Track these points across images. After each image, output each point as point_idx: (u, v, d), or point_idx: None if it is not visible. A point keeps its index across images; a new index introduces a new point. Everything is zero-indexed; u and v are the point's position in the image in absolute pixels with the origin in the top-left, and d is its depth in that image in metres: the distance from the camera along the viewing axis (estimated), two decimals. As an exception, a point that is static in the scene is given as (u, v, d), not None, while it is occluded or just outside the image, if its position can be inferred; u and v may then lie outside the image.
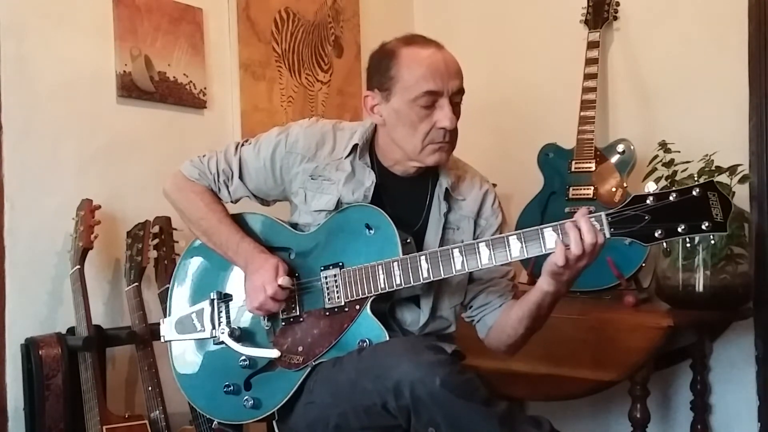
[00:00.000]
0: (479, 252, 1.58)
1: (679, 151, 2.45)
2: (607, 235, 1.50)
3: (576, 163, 2.71)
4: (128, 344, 2.27)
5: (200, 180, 1.85)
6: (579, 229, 1.51)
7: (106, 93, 2.38)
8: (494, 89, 3.11)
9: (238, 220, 1.83)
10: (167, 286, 2.25)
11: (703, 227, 1.45)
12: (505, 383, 2.22)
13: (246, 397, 1.72)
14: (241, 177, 1.84)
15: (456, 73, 1.69)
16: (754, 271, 2.46)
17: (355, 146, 1.77)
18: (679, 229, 1.46)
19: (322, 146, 1.79)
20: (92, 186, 2.31)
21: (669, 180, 2.40)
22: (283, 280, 1.68)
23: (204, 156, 1.87)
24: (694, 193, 1.45)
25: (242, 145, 1.86)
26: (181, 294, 1.88)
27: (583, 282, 2.54)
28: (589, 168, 2.68)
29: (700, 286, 2.36)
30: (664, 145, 2.47)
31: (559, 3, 3.02)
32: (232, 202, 1.89)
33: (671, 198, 1.46)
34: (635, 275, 2.55)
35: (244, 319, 1.78)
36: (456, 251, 1.60)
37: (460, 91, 1.70)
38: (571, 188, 2.70)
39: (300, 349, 1.70)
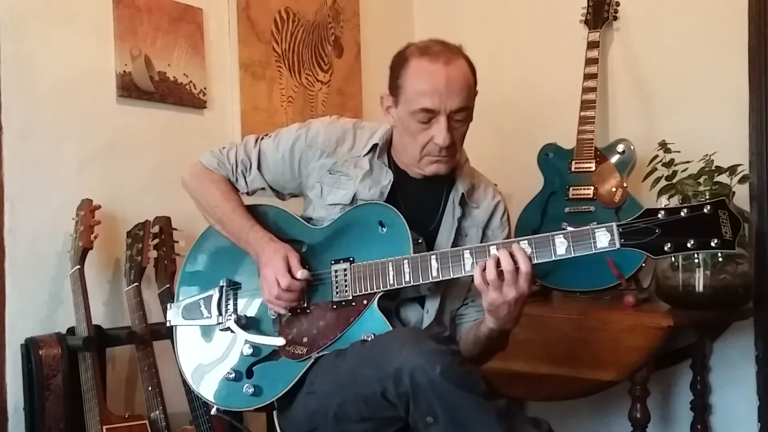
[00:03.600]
0: (490, 255, 1.59)
1: (679, 151, 2.45)
2: (617, 246, 1.52)
3: (576, 163, 2.71)
4: (128, 344, 2.27)
5: (218, 170, 1.88)
6: (496, 259, 1.55)
7: (106, 93, 2.38)
8: (494, 89, 3.07)
9: (253, 211, 1.85)
10: (167, 285, 2.27)
11: (712, 244, 1.47)
12: (505, 383, 2.20)
13: (247, 384, 1.73)
14: (259, 168, 1.87)
15: (458, 91, 1.68)
16: (754, 271, 2.46)
17: (375, 146, 1.81)
18: (689, 245, 1.48)
19: (342, 143, 1.83)
20: (92, 186, 2.31)
21: (669, 180, 2.40)
22: (302, 273, 1.70)
23: (224, 147, 1.91)
24: (705, 210, 1.48)
25: (262, 138, 1.90)
26: (189, 280, 1.89)
27: (583, 282, 2.59)
28: (589, 168, 2.68)
29: (700, 286, 2.36)
30: (664, 145, 2.47)
31: (559, 3, 3.02)
32: (248, 193, 1.92)
33: (682, 213, 1.48)
34: (635, 275, 2.55)
35: (252, 308, 1.80)
36: (467, 253, 1.61)
37: (462, 109, 1.70)
38: (571, 188, 2.70)
39: (305, 340, 1.71)
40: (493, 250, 1.58)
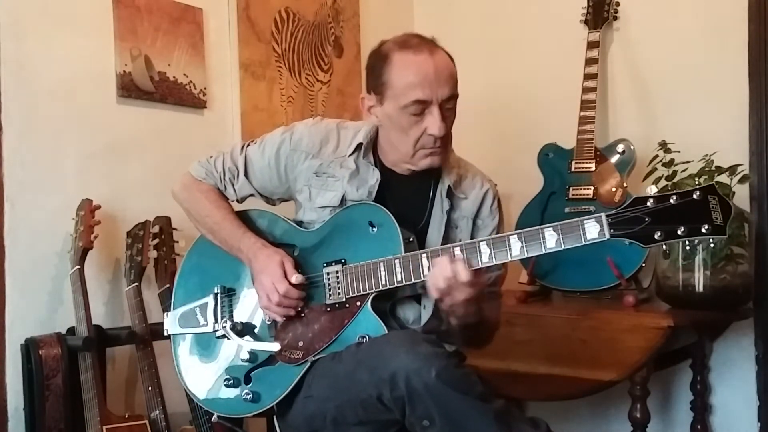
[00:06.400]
0: (480, 250, 1.59)
1: (679, 151, 2.45)
2: (607, 236, 1.50)
3: (576, 163, 2.70)
4: (128, 344, 2.27)
5: (207, 179, 1.88)
6: (437, 267, 1.56)
7: (106, 93, 2.38)
8: (494, 89, 3.11)
9: (244, 217, 1.85)
10: (167, 285, 2.27)
11: (703, 230, 1.45)
12: (505, 383, 2.22)
13: (245, 390, 1.73)
14: (246, 175, 1.87)
15: (446, 79, 1.68)
16: (754, 271, 2.46)
17: (359, 145, 1.80)
18: (679, 232, 1.46)
19: (326, 144, 1.82)
20: (92, 186, 2.31)
21: (669, 180, 2.40)
22: (296, 278, 1.69)
23: (211, 157, 1.90)
24: (694, 196, 1.46)
25: (248, 144, 1.89)
26: (185, 288, 1.89)
27: (583, 282, 2.59)
28: (589, 168, 2.68)
29: (700, 286, 2.36)
30: (664, 145, 2.47)
31: (559, 3, 3.01)
32: (237, 201, 1.92)
33: (672, 200, 1.47)
34: (635, 275, 2.55)
35: (247, 314, 1.80)
36: (457, 250, 1.60)
37: (452, 97, 1.69)
38: (571, 188, 2.69)
39: (300, 344, 1.71)
40: (457, 251, 1.59)
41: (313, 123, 1.86)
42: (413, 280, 1.64)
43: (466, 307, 1.60)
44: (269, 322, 1.76)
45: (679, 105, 2.77)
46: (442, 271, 1.56)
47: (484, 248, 1.58)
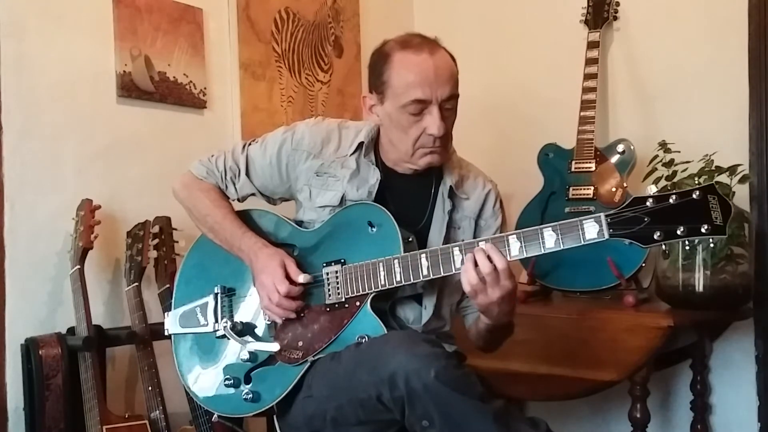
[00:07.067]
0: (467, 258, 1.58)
1: (679, 151, 2.45)
2: (606, 236, 1.50)
3: (576, 163, 2.70)
4: (128, 344, 2.27)
5: (208, 178, 1.88)
6: (474, 261, 1.54)
7: (106, 93, 2.38)
8: (494, 89, 3.11)
9: (245, 217, 1.85)
10: (167, 285, 2.27)
11: (703, 230, 1.45)
12: (505, 383, 2.21)
13: (245, 390, 1.73)
14: (247, 174, 1.87)
15: (447, 79, 1.68)
16: (754, 271, 2.46)
17: (361, 144, 1.80)
18: (678, 232, 1.46)
19: (327, 143, 1.82)
20: (92, 186, 2.31)
21: (669, 180, 2.40)
22: (303, 277, 1.70)
23: (212, 155, 1.91)
24: (694, 195, 1.45)
25: (250, 144, 1.89)
26: (185, 288, 1.89)
27: (583, 282, 2.59)
28: (589, 168, 2.68)
29: (700, 286, 2.36)
30: (664, 145, 2.47)
31: (559, 3, 3.01)
32: (238, 200, 1.92)
33: (671, 200, 1.46)
34: (635, 275, 2.55)
35: (247, 314, 1.80)
36: (456, 250, 1.61)
37: (452, 97, 1.70)
38: (571, 188, 2.69)
39: (300, 344, 1.71)
40: (482, 243, 1.58)
41: (314, 123, 1.86)
42: (412, 280, 1.64)
43: (501, 306, 1.59)
44: (269, 322, 1.76)
45: (679, 105, 2.78)
46: (477, 264, 1.54)
47: (470, 257, 1.57)
